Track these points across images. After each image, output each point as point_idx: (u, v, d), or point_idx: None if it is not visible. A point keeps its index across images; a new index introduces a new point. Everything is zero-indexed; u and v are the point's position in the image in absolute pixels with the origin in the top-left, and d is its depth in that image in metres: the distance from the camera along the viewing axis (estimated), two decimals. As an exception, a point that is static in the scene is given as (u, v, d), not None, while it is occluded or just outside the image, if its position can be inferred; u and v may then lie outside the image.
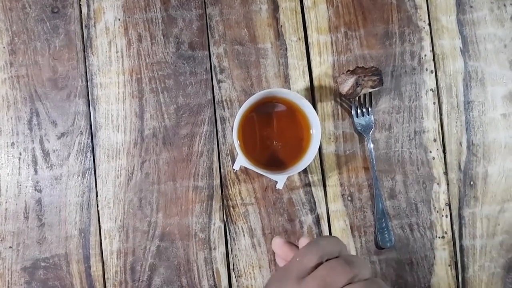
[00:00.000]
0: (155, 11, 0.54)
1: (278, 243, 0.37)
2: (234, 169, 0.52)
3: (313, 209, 0.53)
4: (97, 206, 0.52)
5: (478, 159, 0.54)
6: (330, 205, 0.53)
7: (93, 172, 0.52)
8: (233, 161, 0.53)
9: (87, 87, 0.53)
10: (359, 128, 0.53)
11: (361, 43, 0.54)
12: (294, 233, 0.52)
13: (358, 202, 0.53)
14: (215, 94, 0.53)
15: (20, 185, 0.52)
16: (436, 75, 0.54)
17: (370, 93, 0.52)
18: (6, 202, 0.52)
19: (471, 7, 0.55)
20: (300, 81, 0.54)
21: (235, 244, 0.52)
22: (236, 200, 0.52)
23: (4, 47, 0.53)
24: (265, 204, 0.52)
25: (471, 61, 0.54)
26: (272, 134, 0.50)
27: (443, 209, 0.53)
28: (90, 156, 0.52)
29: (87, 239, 0.52)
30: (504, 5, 0.55)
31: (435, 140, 0.53)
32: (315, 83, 0.54)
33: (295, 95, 0.48)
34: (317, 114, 0.49)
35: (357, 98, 0.52)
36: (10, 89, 0.52)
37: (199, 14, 0.54)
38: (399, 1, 0.54)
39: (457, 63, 0.54)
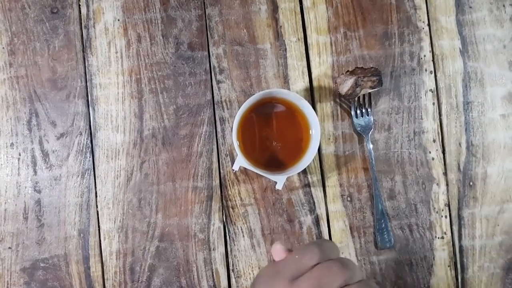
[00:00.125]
0: (155, 11, 0.53)
1: (277, 250, 0.36)
2: (233, 170, 0.52)
3: (312, 209, 0.52)
4: (97, 207, 0.52)
5: (478, 160, 0.54)
6: (329, 205, 0.53)
7: (92, 172, 0.52)
8: (233, 161, 0.53)
9: (87, 88, 0.53)
10: (359, 128, 0.53)
11: (360, 43, 0.54)
12: (294, 234, 0.52)
13: (358, 203, 0.53)
14: (215, 94, 0.53)
15: (20, 186, 0.52)
16: (435, 76, 0.54)
17: (369, 93, 0.52)
18: (5, 203, 0.52)
19: (471, 7, 0.55)
20: (299, 82, 0.54)
21: (234, 244, 0.52)
22: (235, 201, 0.52)
23: (3, 48, 0.53)
24: (264, 204, 0.52)
25: (471, 62, 0.54)
26: (271, 134, 0.50)
27: (443, 210, 0.53)
28: (90, 157, 0.52)
29: (86, 239, 0.51)
30: (504, 6, 0.55)
31: (434, 141, 0.53)
32: (315, 83, 0.54)
33: (295, 95, 0.48)
34: (317, 114, 0.49)
35: (356, 98, 0.52)
36: (9, 89, 0.52)
37: (198, 15, 0.54)
38: (398, 2, 0.55)
39: (456, 63, 0.54)
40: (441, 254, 0.53)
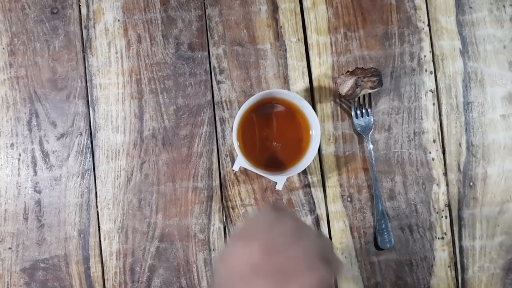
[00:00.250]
0: (155, 12, 0.53)
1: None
2: (233, 170, 0.52)
3: (312, 210, 0.52)
4: (97, 207, 0.52)
5: (478, 160, 0.54)
6: (329, 206, 0.53)
7: (92, 173, 0.52)
8: (233, 162, 0.53)
9: (87, 88, 0.53)
10: (359, 129, 0.53)
11: (360, 44, 0.54)
12: (294, 234, 0.52)
13: (358, 203, 0.53)
14: (215, 95, 0.53)
15: (20, 186, 0.52)
16: (435, 76, 0.54)
17: (369, 94, 0.52)
18: (5, 203, 0.52)
19: (471, 8, 0.55)
20: (299, 82, 0.54)
21: (234, 245, 0.52)
22: (235, 201, 0.52)
23: (3, 48, 0.53)
24: (264, 205, 0.52)
25: (471, 62, 0.54)
26: (271, 135, 0.50)
27: (443, 210, 0.53)
28: (90, 157, 0.52)
29: (86, 240, 0.51)
30: (504, 6, 0.55)
31: (434, 141, 0.53)
32: (315, 84, 0.54)
33: (295, 96, 0.48)
34: (317, 115, 0.49)
35: (356, 99, 0.52)
36: (9, 90, 0.52)
37: (198, 15, 0.54)
38: (398, 2, 0.54)
39: (456, 64, 0.54)
40: (441, 255, 0.53)
